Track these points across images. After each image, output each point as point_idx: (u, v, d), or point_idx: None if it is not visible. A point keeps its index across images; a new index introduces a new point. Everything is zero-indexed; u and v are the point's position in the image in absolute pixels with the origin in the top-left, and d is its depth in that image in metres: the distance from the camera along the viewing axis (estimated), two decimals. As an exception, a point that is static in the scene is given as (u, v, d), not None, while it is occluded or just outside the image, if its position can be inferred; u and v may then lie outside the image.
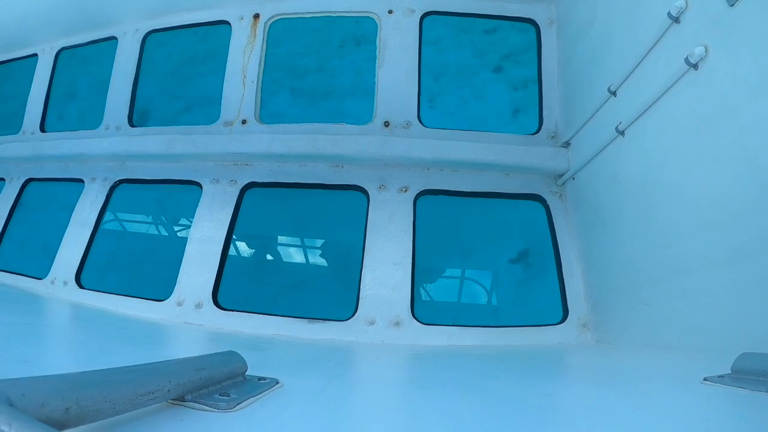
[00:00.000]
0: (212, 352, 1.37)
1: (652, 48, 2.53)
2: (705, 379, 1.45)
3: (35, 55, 5.51)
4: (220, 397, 1.14)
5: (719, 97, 2.06)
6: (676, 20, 2.32)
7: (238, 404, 1.14)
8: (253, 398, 1.21)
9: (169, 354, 2.53)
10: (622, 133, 2.84)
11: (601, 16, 3.24)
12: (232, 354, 1.39)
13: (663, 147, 2.47)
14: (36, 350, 1.91)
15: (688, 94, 2.26)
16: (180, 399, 1.09)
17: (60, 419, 0.77)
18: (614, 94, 2.96)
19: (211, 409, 1.09)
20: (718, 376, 1.44)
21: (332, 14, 4.55)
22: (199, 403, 1.10)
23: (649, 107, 2.55)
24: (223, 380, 1.25)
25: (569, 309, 3.43)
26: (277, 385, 1.39)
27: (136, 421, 0.98)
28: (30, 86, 5.40)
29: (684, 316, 2.28)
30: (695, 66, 2.18)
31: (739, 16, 1.94)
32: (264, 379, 1.40)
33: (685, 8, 2.26)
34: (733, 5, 1.95)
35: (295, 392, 1.39)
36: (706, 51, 2.12)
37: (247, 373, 1.40)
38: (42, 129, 5.19)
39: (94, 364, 1.71)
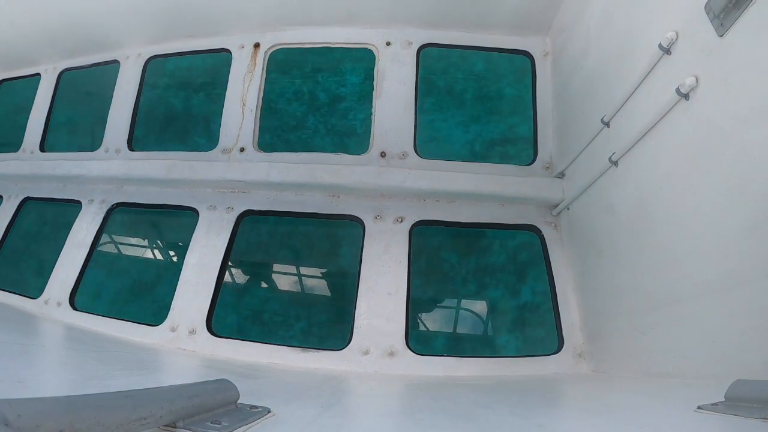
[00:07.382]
0: (205, 379, 1.36)
1: (644, 79, 2.58)
2: (699, 407, 1.44)
3: (38, 74, 5.56)
4: (212, 425, 1.13)
5: (710, 127, 2.09)
6: (667, 51, 2.37)
7: None
8: (244, 427, 1.20)
9: (161, 380, 2.50)
10: (615, 163, 2.88)
11: (594, 48, 3.30)
12: (224, 382, 1.38)
13: (655, 177, 2.49)
14: (29, 371, 1.88)
15: (680, 124, 2.29)
16: (172, 425, 1.08)
17: (54, 441, 0.77)
18: (607, 124, 3.00)
19: None
20: (712, 404, 1.43)
21: (331, 45, 4.63)
22: (190, 430, 1.09)
23: (642, 137, 2.59)
24: (215, 408, 1.24)
25: (565, 339, 3.41)
26: (269, 414, 1.38)
27: None
28: (31, 105, 5.44)
29: (679, 344, 2.27)
30: (686, 96, 2.22)
31: (728, 46, 1.98)
32: (256, 407, 1.39)
33: (676, 39, 2.31)
34: (722, 35, 1.99)
35: (286, 422, 1.38)
36: (696, 81, 2.16)
37: (239, 402, 1.39)
38: (41, 148, 5.21)
39: (88, 387, 1.70)
